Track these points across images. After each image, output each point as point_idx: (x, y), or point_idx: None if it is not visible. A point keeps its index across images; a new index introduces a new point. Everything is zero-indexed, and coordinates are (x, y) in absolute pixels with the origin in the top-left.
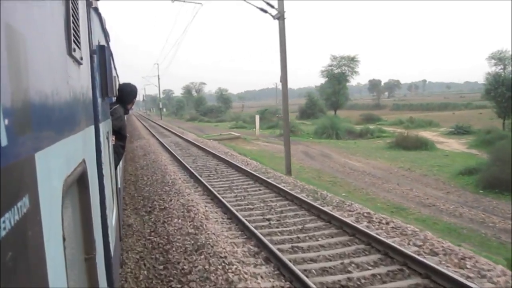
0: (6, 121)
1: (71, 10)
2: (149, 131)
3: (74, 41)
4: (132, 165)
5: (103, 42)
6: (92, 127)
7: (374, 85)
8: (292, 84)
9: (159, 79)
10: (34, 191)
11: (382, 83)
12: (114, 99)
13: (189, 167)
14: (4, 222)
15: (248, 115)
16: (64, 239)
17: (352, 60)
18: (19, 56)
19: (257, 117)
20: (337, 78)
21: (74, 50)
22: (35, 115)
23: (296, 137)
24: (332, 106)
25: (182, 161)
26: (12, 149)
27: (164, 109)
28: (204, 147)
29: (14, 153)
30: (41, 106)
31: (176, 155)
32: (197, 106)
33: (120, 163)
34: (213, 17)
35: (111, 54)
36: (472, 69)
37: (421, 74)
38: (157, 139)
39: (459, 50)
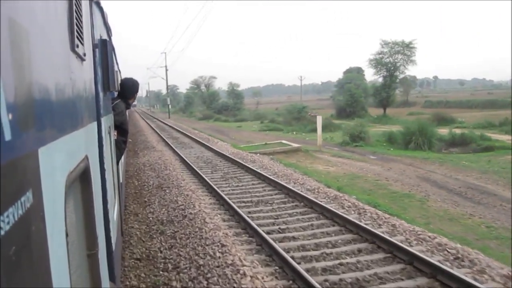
0: (10, 116)
1: (74, 6)
2: (159, 135)
3: (77, 37)
4: (140, 217)
5: (105, 37)
6: (95, 123)
7: (370, 83)
8: (297, 80)
9: (166, 70)
10: (38, 186)
11: (397, 80)
12: (115, 94)
13: (278, 249)
14: (8, 216)
15: (270, 113)
16: (67, 235)
17: (407, 46)
18: (23, 51)
19: (320, 119)
20: (387, 68)
21: (77, 46)
22: (38, 110)
23: (370, 147)
24: (381, 103)
25: (248, 219)
26: (16, 144)
27: (169, 106)
28: (258, 170)
29: (17, 148)
30: (44, 101)
31: (224, 196)
32: (210, 103)
33: (122, 158)
34: (217, 14)
35: (113, 49)
36: (474, 66)
37: (428, 70)
38: (174, 150)
39: (462, 46)
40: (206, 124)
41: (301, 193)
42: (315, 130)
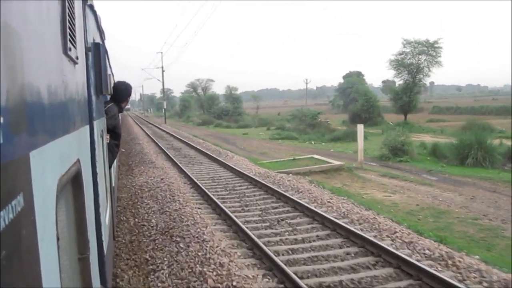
0: (2, 120)
1: (67, 9)
2: (157, 144)
3: (69, 40)
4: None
5: (98, 40)
6: (87, 126)
7: (388, 86)
8: (292, 85)
9: (163, 70)
10: (29, 190)
11: (396, 84)
12: (108, 97)
13: None
14: None
15: (273, 118)
16: (58, 239)
17: (432, 46)
18: (15, 55)
19: (361, 129)
20: (410, 70)
21: (70, 50)
22: (30, 114)
23: (416, 162)
24: (402, 109)
25: None
26: (8, 147)
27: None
28: (315, 209)
29: (9, 151)
30: (36, 105)
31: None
32: (209, 107)
33: (114, 161)
34: (211, 16)
35: (106, 52)
36: (467, 72)
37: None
38: (179, 167)
39: (454, 52)
40: (206, 131)
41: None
42: (335, 139)
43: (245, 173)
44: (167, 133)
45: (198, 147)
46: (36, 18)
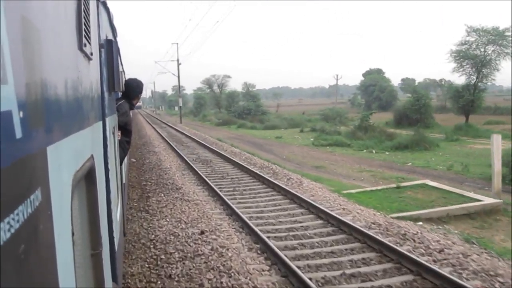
0: (21, 114)
1: (82, 5)
2: (178, 154)
3: (85, 36)
4: None
5: (110, 37)
6: (100, 123)
7: (408, 84)
8: (302, 83)
9: (178, 63)
10: (46, 185)
11: (416, 82)
12: (120, 94)
13: None
14: (17, 214)
15: (303, 119)
16: (73, 234)
17: (501, 34)
18: (34, 50)
19: (498, 140)
20: (475, 62)
21: (85, 45)
22: (48, 109)
23: None
24: (463, 109)
25: None
26: (26, 142)
27: (176, 108)
28: None
29: (28, 146)
30: (54, 100)
31: None
32: (228, 105)
33: (125, 158)
34: (218, 16)
35: (118, 49)
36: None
37: (432, 73)
38: (219, 197)
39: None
40: (229, 132)
41: None
42: (400, 148)
43: (348, 222)
44: (186, 135)
45: (234, 159)
46: (53, 14)
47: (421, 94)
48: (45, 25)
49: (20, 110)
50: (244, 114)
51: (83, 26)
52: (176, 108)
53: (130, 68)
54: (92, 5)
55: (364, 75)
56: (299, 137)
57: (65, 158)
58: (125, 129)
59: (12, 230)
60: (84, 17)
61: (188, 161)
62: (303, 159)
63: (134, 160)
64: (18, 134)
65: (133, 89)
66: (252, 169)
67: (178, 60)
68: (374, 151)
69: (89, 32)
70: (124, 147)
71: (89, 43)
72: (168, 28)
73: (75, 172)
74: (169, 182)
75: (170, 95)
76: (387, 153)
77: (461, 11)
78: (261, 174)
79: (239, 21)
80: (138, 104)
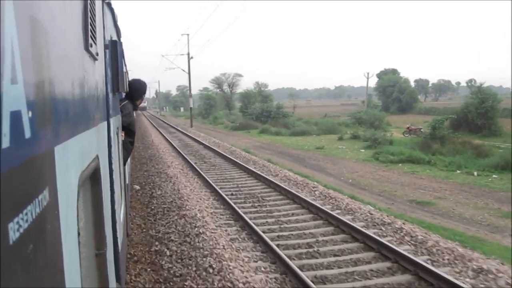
0: (30, 114)
1: (88, 6)
2: (203, 178)
3: (91, 36)
4: None
5: (115, 37)
6: (105, 123)
7: (421, 86)
8: (307, 84)
9: (189, 58)
10: (53, 184)
11: (430, 83)
12: (123, 95)
13: None
14: (26, 214)
15: (325, 122)
16: (78, 234)
17: None
18: (42, 49)
19: None
20: None
21: (91, 46)
22: (55, 109)
23: None
24: None
25: None
26: (35, 141)
27: (182, 109)
28: None
29: (36, 145)
30: (61, 100)
31: None
32: (245, 107)
33: (128, 159)
34: (223, 15)
35: (122, 50)
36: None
37: (444, 75)
38: None
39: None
40: (251, 139)
41: None
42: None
43: None
44: (204, 145)
45: (297, 192)
46: (60, 14)
47: (487, 95)
48: (52, 25)
49: (29, 110)
50: (263, 117)
51: (89, 27)
52: (182, 109)
53: (132, 68)
54: (98, 5)
55: (379, 75)
56: (343, 146)
57: (71, 158)
58: (128, 129)
59: (21, 230)
60: (90, 18)
61: (227, 199)
62: (380, 185)
63: (137, 188)
64: (27, 134)
65: (136, 90)
66: (339, 217)
67: (188, 54)
68: (475, 174)
69: (95, 32)
70: (128, 147)
71: (95, 43)
72: (170, 28)
73: (81, 172)
74: (204, 254)
75: (174, 95)
76: (494, 176)
77: (469, 11)
78: (361, 229)
79: (245, 21)
80: (142, 104)
